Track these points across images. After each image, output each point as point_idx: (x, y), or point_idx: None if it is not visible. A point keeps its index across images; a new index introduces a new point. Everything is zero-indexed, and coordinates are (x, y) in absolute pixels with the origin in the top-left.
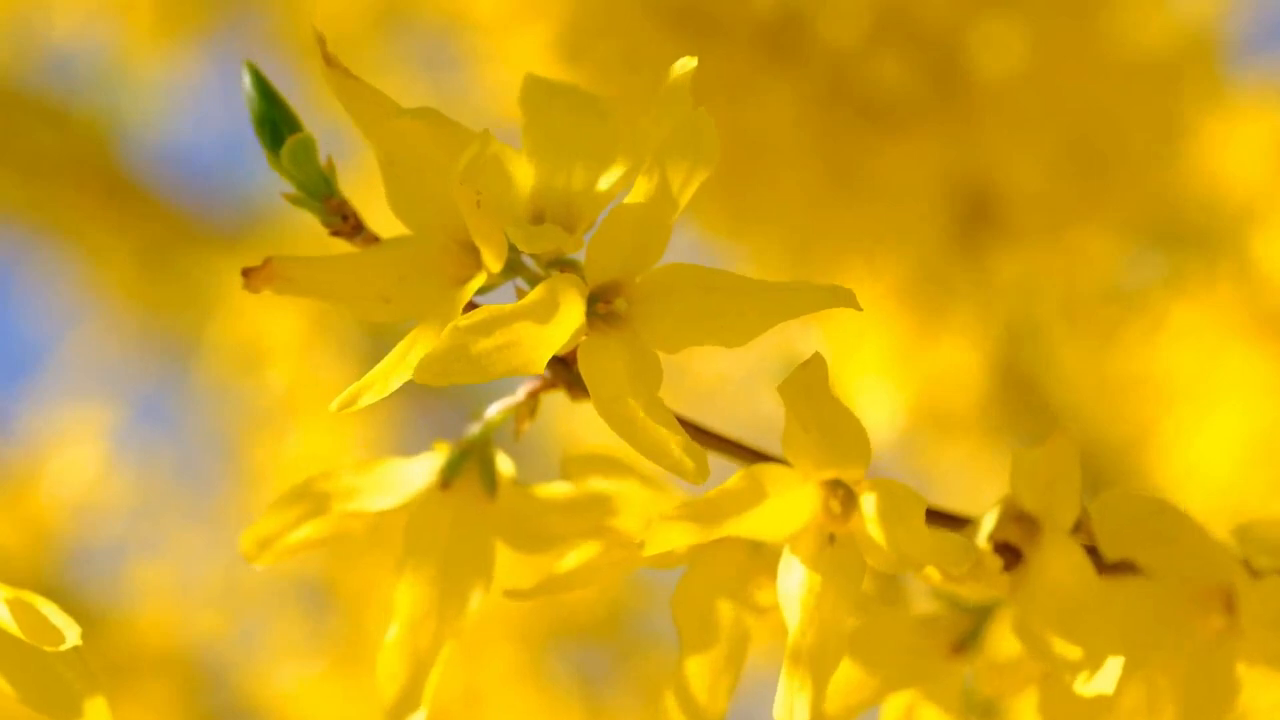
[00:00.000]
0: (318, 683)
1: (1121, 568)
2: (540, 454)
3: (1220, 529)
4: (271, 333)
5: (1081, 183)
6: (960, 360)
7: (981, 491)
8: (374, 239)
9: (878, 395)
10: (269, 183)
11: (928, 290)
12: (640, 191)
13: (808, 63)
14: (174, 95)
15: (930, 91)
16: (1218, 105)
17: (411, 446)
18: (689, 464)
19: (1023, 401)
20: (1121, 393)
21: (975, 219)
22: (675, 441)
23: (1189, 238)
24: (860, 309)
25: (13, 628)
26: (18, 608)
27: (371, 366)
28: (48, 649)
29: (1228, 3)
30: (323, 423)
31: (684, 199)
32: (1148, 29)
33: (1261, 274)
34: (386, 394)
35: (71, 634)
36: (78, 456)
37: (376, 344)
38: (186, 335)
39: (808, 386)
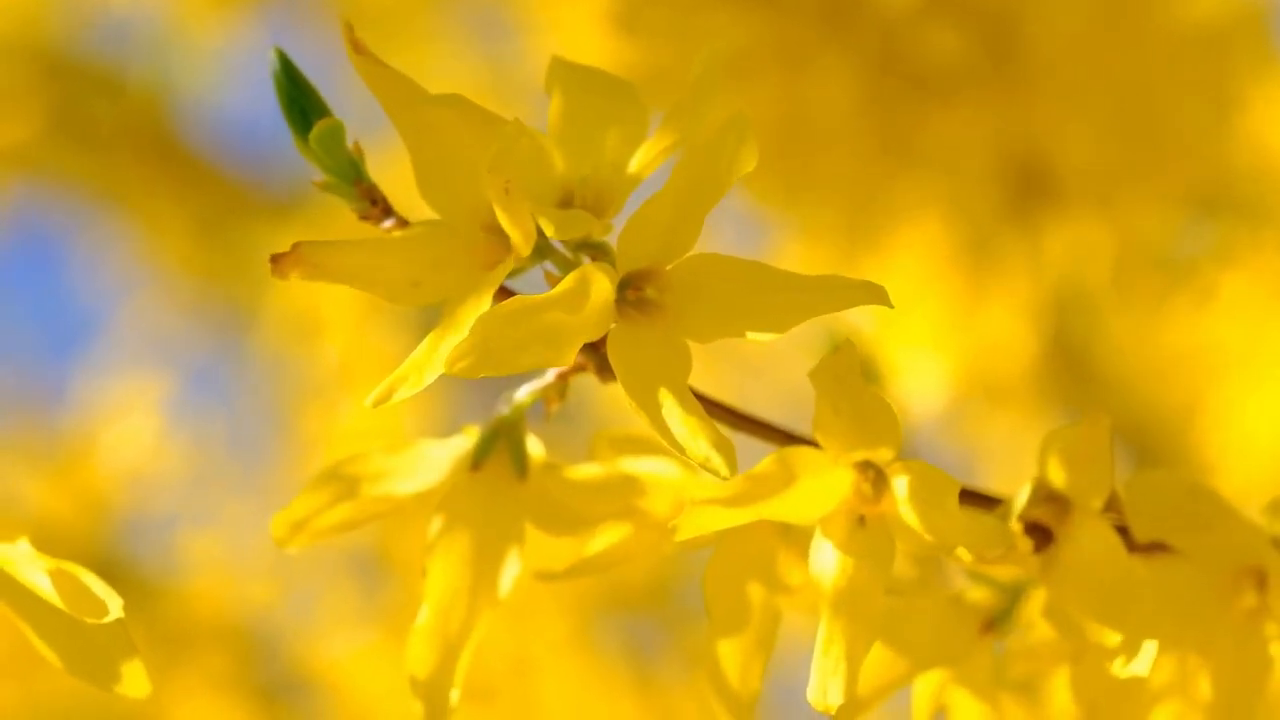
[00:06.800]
0: (371, 652)
1: (1153, 547)
2: (579, 424)
3: (1268, 500)
4: (326, 303)
5: (1132, 152)
6: (1010, 329)
7: (1029, 461)
8: (404, 223)
9: (927, 364)
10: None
11: (978, 259)
12: (677, 182)
13: (861, 32)
14: (229, 64)
15: (983, 61)
16: (1268, 76)
17: (464, 412)
18: (718, 459)
19: (1072, 371)
20: (1171, 362)
21: (1026, 188)
22: (705, 435)
23: (1239, 207)
24: (892, 306)
25: (55, 599)
26: (60, 578)
27: (425, 338)
28: (90, 620)
29: None
30: None
31: (720, 194)
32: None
33: None
34: (421, 388)
35: (114, 605)
36: (132, 427)
37: (430, 316)
38: (241, 305)
39: (838, 372)
